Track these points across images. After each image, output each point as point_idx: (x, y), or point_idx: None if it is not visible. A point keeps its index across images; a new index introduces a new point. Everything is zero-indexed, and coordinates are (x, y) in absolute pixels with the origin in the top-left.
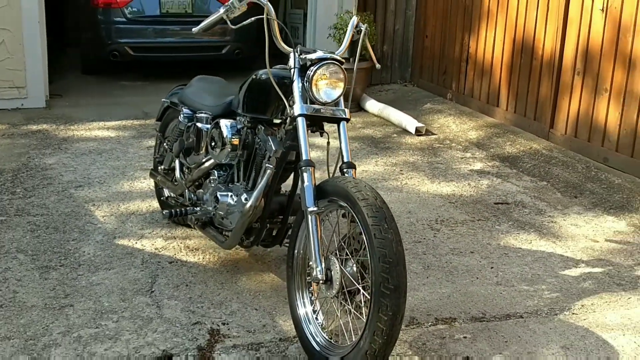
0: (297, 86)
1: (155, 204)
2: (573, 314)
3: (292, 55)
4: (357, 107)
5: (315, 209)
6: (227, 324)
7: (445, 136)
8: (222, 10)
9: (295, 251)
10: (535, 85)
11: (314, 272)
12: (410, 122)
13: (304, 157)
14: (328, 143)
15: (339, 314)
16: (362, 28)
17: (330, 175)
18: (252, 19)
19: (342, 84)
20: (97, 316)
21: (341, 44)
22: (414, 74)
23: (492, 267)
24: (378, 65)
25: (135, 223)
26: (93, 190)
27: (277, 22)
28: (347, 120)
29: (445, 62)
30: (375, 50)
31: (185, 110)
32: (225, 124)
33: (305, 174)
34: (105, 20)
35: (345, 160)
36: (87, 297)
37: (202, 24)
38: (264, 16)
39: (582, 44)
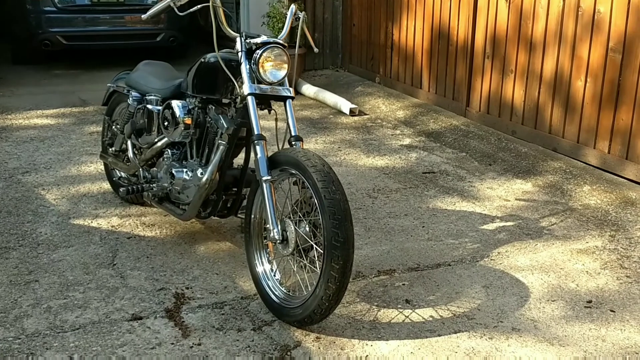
0: (245, 68)
1: (105, 185)
2: (491, 260)
3: (238, 40)
4: (294, 90)
5: (269, 177)
6: (191, 288)
7: (377, 116)
8: None
9: (252, 217)
10: (452, 69)
11: (272, 234)
12: (344, 104)
13: (255, 132)
14: (276, 119)
15: (295, 269)
16: (300, 15)
17: (280, 147)
18: (199, 6)
19: (286, 66)
20: (63, 289)
21: (275, 32)
22: (344, 59)
23: (423, 226)
24: (316, 49)
25: (88, 204)
26: (41, 175)
27: (223, 9)
28: (292, 98)
29: (372, 49)
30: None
31: (134, 93)
32: (177, 104)
33: (258, 147)
34: (35, 9)
35: (293, 134)
36: (51, 273)
37: (151, 11)
38: (210, 4)
39: (490, 30)
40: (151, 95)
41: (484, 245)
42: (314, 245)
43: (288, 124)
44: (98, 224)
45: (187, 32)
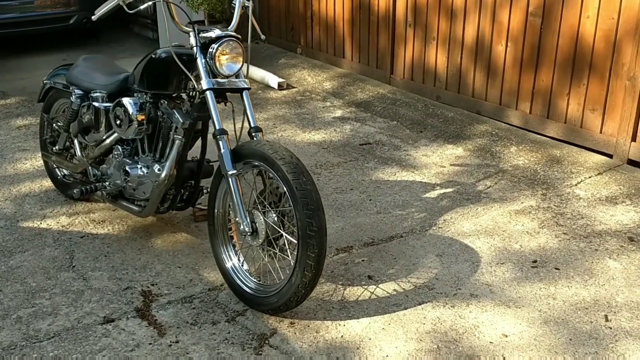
0: (200, 63)
1: (47, 183)
2: (439, 228)
3: (192, 34)
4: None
5: (234, 171)
6: (156, 284)
7: (305, 88)
8: None
9: (215, 211)
10: (374, 38)
11: (241, 227)
12: (272, 78)
13: (217, 127)
14: (233, 111)
15: (265, 260)
16: (247, 4)
17: (238, 138)
18: (149, 3)
19: (241, 58)
20: (29, 296)
21: (195, 9)
22: (263, 31)
23: (370, 200)
24: (263, 37)
25: (33, 204)
26: None
27: (174, 5)
28: (249, 89)
29: (291, 20)
30: (223, 10)
31: (76, 90)
32: (128, 101)
33: (220, 142)
34: None
35: (252, 125)
36: (13, 281)
37: (100, 12)
38: (160, 0)
39: (411, 0)
40: (96, 92)
41: (430, 214)
42: (284, 234)
43: (247, 115)
44: (48, 225)
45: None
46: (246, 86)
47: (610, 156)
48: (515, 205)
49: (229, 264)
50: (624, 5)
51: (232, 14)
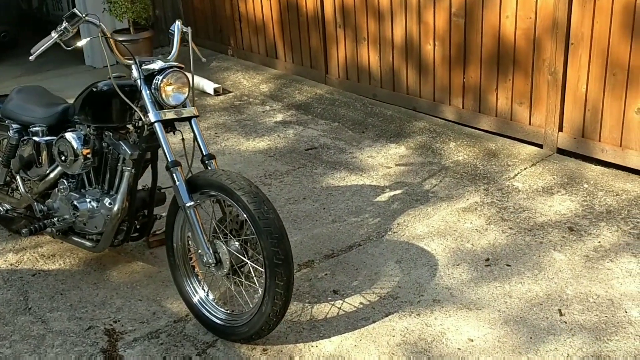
0: (146, 95)
1: None
2: (394, 232)
3: (134, 67)
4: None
5: (192, 203)
6: (118, 321)
7: (242, 92)
8: (54, 34)
9: (174, 244)
10: (306, 38)
11: (204, 258)
12: (207, 84)
13: (169, 159)
14: (183, 139)
15: (232, 288)
16: (186, 30)
17: (190, 166)
18: (87, 39)
19: (187, 88)
20: None
21: (119, 18)
22: None
23: (324, 208)
24: (204, 59)
25: None
26: None
27: (113, 39)
28: (197, 116)
29: (218, 21)
30: (149, 16)
31: (14, 125)
32: (72, 136)
33: (175, 174)
34: None
35: (204, 152)
36: None
37: (37, 51)
38: (100, 36)
39: (338, 2)
40: (36, 126)
41: (383, 219)
42: (249, 262)
43: (198, 143)
44: None
45: (17, 23)
46: (194, 114)
47: (541, 146)
48: (462, 202)
49: (195, 299)
50: (539, 4)
51: (171, 40)
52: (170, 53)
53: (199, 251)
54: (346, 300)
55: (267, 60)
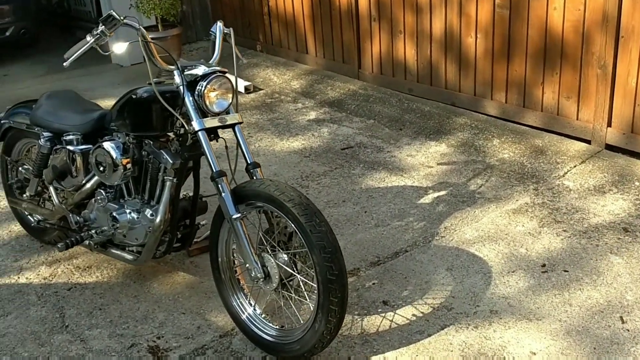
0: (189, 102)
1: (16, 227)
2: (442, 237)
3: (176, 73)
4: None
5: (239, 215)
6: (162, 337)
7: (272, 90)
8: (90, 38)
9: (220, 259)
10: (338, 32)
11: (253, 273)
12: (238, 82)
13: (214, 169)
14: (227, 147)
15: (282, 304)
16: (227, 31)
17: (232, 174)
18: (126, 44)
19: (230, 94)
20: None
21: (147, 15)
22: None
23: (365, 212)
24: (245, 61)
25: (4, 255)
26: None
27: (153, 43)
28: (241, 123)
29: (247, 16)
30: (177, 12)
31: (45, 133)
32: (110, 145)
33: (220, 185)
34: None
35: (249, 161)
36: (1, 353)
37: (72, 57)
38: (140, 40)
39: None
40: (69, 135)
41: (429, 222)
42: (298, 276)
43: (242, 150)
44: (27, 278)
45: (37, 20)
46: (238, 120)
47: (589, 142)
48: (511, 204)
49: (244, 315)
50: None
51: (214, 42)
52: (211, 56)
53: (247, 265)
54: (397, 312)
55: (297, 55)
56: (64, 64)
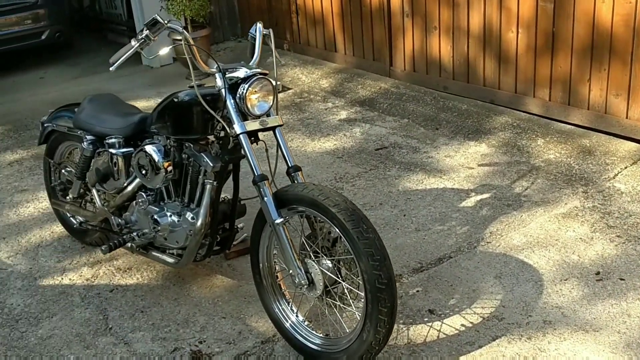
0: (230, 105)
1: (58, 229)
2: (487, 242)
3: (217, 75)
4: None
5: (281, 220)
6: (204, 341)
7: (301, 89)
8: (135, 43)
9: (260, 264)
10: (368, 29)
11: (297, 279)
12: None
13: (256, 172)
14: (267, 150)
15: (326, 312)
16: (266, 32)
17: (272, 177)
18: (170, 47)
19: (271, 96)
20: None
21: (178, 16)
22: (244, 29)
23: (404, 215)
24: (282, 62)
25: (48, 257)
26: None
27: (196, 47)
28: (282, 125)
29: (274, 15)
30: (206, 13)
31: (88, 136)
32: (152, 149)
33: (262, 189)
34: None
35: (290, 164)
36: (47, 355)
37: (117, 62)
38: (183, 43)
39: None
40: (112, 138)
41: (473, 227)
42: (343, 284)
43: (283, 153)
44: (70, 279)
45: (71, 23)
46: (279, 123)
47: (639, 142)
48: (560, 207)
49: (287, 324)
50: None
51: (253, 44)
52: (250, 58)
53: (290, 271)
54: (445, 321)
55: (325, 53)
56: (110, 69)
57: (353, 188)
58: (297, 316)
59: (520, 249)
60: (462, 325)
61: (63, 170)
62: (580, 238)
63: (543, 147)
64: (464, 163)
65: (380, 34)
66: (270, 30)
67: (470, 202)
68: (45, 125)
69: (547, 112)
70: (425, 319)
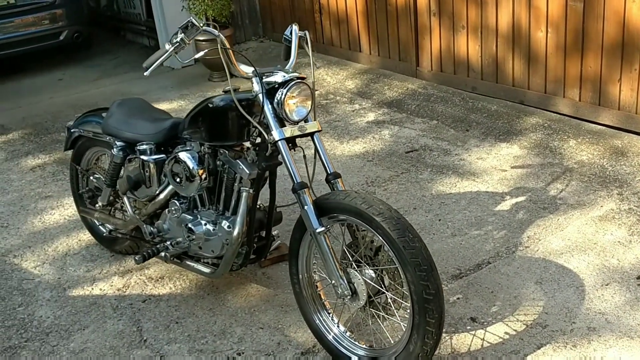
0: (268, 110)
1: (85, 236)
2: (525, 247)
3: (254, 80)
4: (231, 74)
5: (322, 229)
6: (242, 353)
7: (327, 90)
8: (169, 46)
9: (300, 275)
10: (394, 29)
11: (339, 290)
12: None
13: (296, 180)
14: (305, 156)
15: (370, 324)
16: (301, 34)
17: (310, 184)
18: (205, 50)
19: (310, 101)
20: None
21: (200, 16)
22: (265, 28)
23: (440, 220)
24: (318, 65)
25: (76, 266)
26: (1, 237)
27: (233, 50)
28: (320, 131)
29: (297, 14)
30: (228, 13)
31: (118, 142)
32: (187, 156)
33: (302, 197)
34: None
35: (329, 171)
36: None
37: (152, 66)
38: (219, 47)
39: None
40: (143, 145)
41: (510, 231)
42: (387, 294)
43: (322, 160)
44: (101, 289)
45: (89, 22)
46: (318, 128)
47: None
48: (596, 210)
49: (330, 336)
50: None
51: (288, 47)
52: (288, 61)
53: (332, 282)
54: (488, 329)
55: (349, 54)
56: (145, 73)
57: (385, 192)
58: (338, 327)
59: (559, 253)
60: (506, 333)
61: (91, 177)
62: (619, 241)
63: (575, 148)
64: (496, 165)
65: (406, 34)
66: (306, 32)
67: (505, 205)
68: (71, 130)
69: (577, 112)
70: (468, 327)
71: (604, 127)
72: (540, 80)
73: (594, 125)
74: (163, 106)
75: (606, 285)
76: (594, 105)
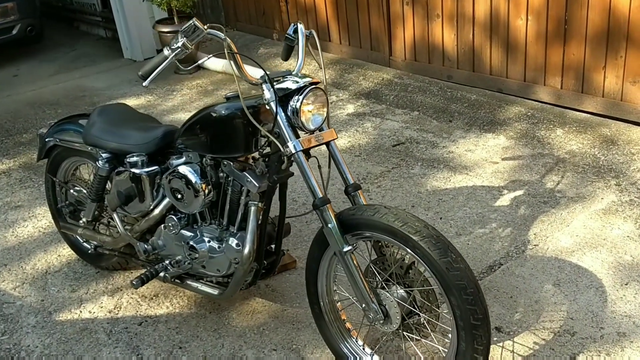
0: (281, 119)
1: (64, 251)
2: (535, 245)
3: (265, 87)
4: (197, 67)
5: (349, 248)
6: None
7: None
8: (168, 52)
9: (321, 303)
10: (365, 18)
11: (371, 315)
12: (257, 74)
13: (317, 196)
14: (319, 167)
15: (404, 348)
16: (310, 34)
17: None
18: (210, 56)
19: (325, 108)
20: None
21: (163, 7)
22: (228, 17)
23: (441, 218)
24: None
25: (60, 286)
26: None
27: (241, 54)
28: (336, 138)
29: (261, 3)
30: (193, 3)
31: (103, 154)
32: (188, 170)
33: (325, 214)
34: None
35: (349, 182)
36: None
37: (151, 75)
38: (226, 51)
39: None
40: (133, 156)
41: (515, 228)
42: (421, 315)
43: (339, 170)
44: (90, 312)
45: (41, 16)
46: (334, 137)
47: None
48: (597, 203)
49: None
50: None
51: (288, 47)
52: (296, 64)
53: (363, 306)
54: (516, 340)
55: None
56: (144, 84)
57: (379, 189)
58: (366, 352)
59: (570, 251)
60: (535, 343)
61: (71, 190)
62: (628, 236)
63: (563, 138)
64: (487, 157)
65: (377, 23)
66: (313, 31)
67: (504, 200)
68: (46, 140)
69: (558, 100)
70: (495, 338)
71: (588, 115)
72: (519, 69)
73: (577, 113)
74: (130, 102)
75: (625, 284)
76: (577, 92)
